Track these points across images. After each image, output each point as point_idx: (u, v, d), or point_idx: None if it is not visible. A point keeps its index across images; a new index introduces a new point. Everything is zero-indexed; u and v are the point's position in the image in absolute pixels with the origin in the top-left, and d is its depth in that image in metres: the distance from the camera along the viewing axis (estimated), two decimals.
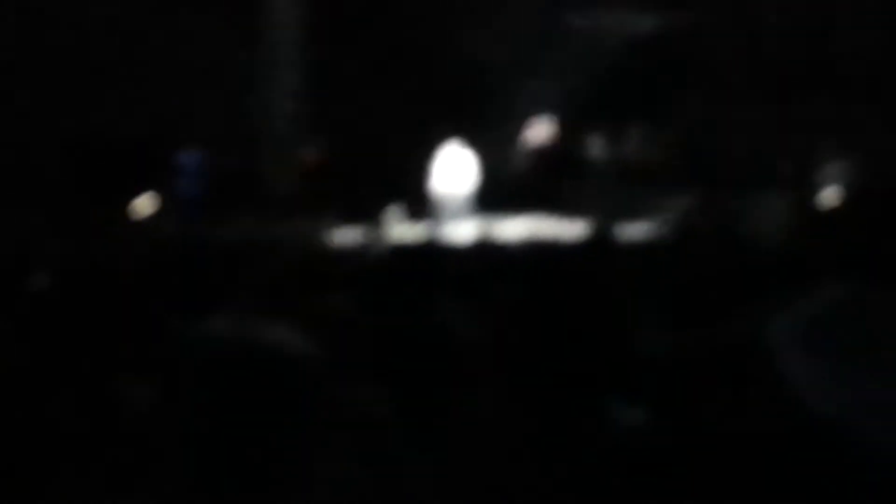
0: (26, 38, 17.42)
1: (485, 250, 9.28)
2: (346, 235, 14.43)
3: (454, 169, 18.15)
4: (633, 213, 14.66)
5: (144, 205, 16.68)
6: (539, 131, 19.83)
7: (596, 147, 19.72)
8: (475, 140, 18.29)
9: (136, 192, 16.63)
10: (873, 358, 5.37)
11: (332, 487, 2.51)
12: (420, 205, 17.72)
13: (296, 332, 2.48)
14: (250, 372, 2.31)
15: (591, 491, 3.64)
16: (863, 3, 19.11)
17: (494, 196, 17.98)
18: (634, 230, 13.55)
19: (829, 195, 17.33)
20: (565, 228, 13.82)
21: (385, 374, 4.36)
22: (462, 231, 14.53)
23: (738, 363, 4.94)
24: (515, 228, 14.88)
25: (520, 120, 19.84)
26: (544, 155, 19.78)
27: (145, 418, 3.53)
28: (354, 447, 3.58)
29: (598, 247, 8.10)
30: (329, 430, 2.47)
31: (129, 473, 3.53)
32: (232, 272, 6.71)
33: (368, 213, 16.32)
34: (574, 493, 3.61)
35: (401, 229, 15.88)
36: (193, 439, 2.33)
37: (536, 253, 8.73)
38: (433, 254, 8.22)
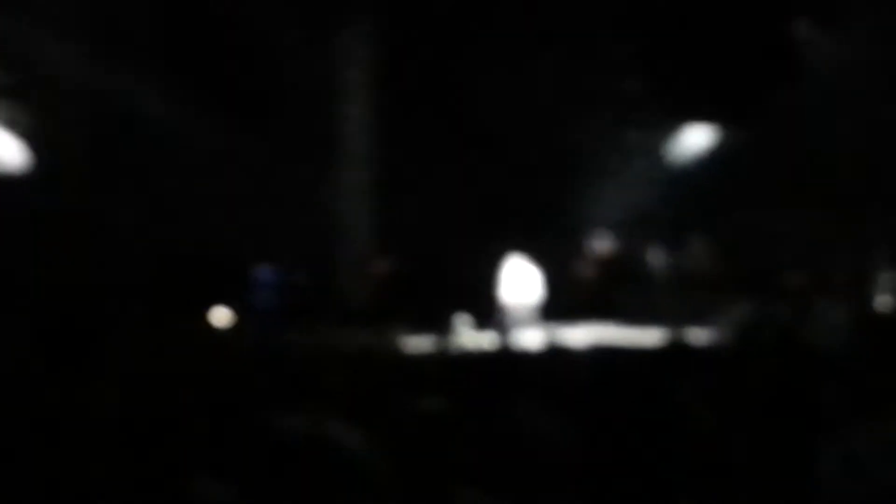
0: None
1: (556, 357, 9.64)
2: (417, 344, 14.86)
3: (519, 280, 18.69)
4: (694, 321, 14.95)
5: (223, 317, 17.39)
6: (602, 244, 20.40)
7: (656, 257, 20.25)
8: (540, 251, 18.85)
9: (218, 305, 17.37)
10: None
11: None
12: (487, 314, 18.26)
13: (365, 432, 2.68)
14: (316, 466, 2.55)
15: None
16: None
17: (559, 306, 18.50)
18: (698, 338, 13.84)
19: (884, 304, 17.54)
20: (630, 336, 14.16)
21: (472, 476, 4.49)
22: (530, 339, 14.98)
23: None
24: (581, 336, 15.29)
25: (584, 232, 20.47)
26: (606, 266, 20.31)
27: None
28: None
29: (675, 354, 8.35)
30: None
31: None
32: (308, 379, 6.83)
33: (438, 323, 16.84)
34: None
35: (470, 338, 16.38)
36: None
37: (606, 359, 9.01)
38: (509, 359, 8.61)
